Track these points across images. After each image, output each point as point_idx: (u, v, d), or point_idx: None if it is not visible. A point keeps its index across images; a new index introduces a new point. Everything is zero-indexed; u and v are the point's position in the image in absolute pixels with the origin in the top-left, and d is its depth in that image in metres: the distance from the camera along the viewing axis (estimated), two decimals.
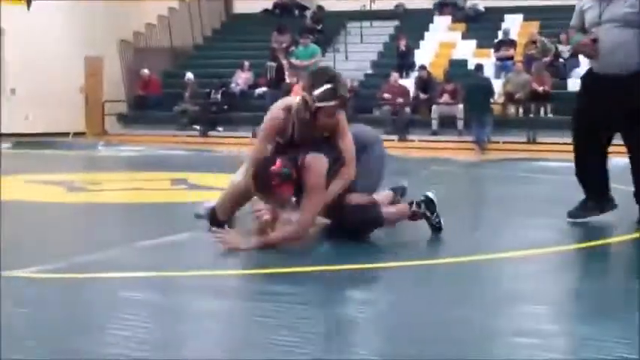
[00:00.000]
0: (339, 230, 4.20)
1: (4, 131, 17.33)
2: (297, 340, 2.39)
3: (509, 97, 16.94)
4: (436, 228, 4.30)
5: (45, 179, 7.98)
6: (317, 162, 3.94)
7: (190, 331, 2.53)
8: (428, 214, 4.29)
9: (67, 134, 18.85)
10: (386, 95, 16.84)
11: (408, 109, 17.23)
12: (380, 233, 4.26)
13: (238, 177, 4.44)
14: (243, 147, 15.71)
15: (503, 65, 17.93)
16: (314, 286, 3.14)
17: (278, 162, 3.87)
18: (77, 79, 21.11)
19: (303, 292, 3.05)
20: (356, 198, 4.18)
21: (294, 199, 4.03)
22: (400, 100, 16.95)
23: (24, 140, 15.94)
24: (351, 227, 4.12)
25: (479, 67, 16.68)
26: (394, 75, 17.20)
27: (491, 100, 16.23)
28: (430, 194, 4.36)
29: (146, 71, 20.00)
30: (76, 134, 19.36)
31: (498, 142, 16.09)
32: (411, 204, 4.31)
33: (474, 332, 2.54)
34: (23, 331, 2.44)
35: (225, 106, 18.68)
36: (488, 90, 16.02)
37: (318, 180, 3.92)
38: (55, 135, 18.22)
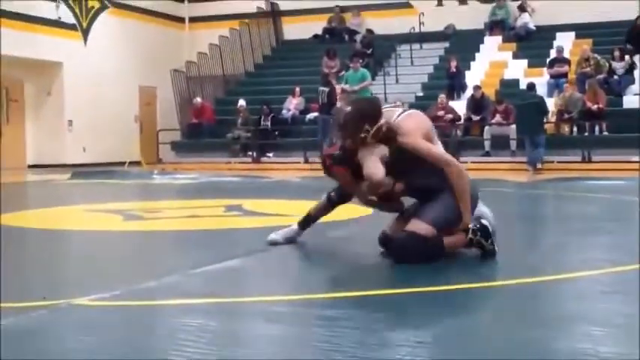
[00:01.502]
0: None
1: (63, 162, 17.72)
2: None
3: (562, 116, 16.74)
4: (490, 254, 4.26)
5: (102, 208, 8.11)
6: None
7: (248, 357, 2.55)
8: (483, 242, 4.26)
9: (122, 163, 19.17)
10: (439, 114, 16.69)
11: (458, 131, 17.15)
12: None
13: None
14: (295, 172, 15.82)
15: (557, 83, 17.75)
16: (371, 311, 3.13)
17: (334, 146, 4.28)
18: (132, 108, 21.51)
19: (359, 316, 3.04)
20: (418, 225, 4.16)
21: None
22: (449, 119, 16.86)
23: (82, 170, 16.24)
24: (409, 255, 4.10)
25: (531, 86, 16.50)
26: (441, 96, 17.14)
27: (545, 120, 16.05)
28: (484, 221, 4.32)
29: (199, 99, 20.27)
30: (132, 163, 19.68)
31: (553, 162, 15.90)
32: (466, 231, 4.26)
33: (536, 355, 2.51)
34: (80, 358, 2.48)
35: (276, 132, 18.81)
36: (542, 109, 15.81)
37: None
38: (111, 164, 18.55)
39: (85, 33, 20.08)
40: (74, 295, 3.35)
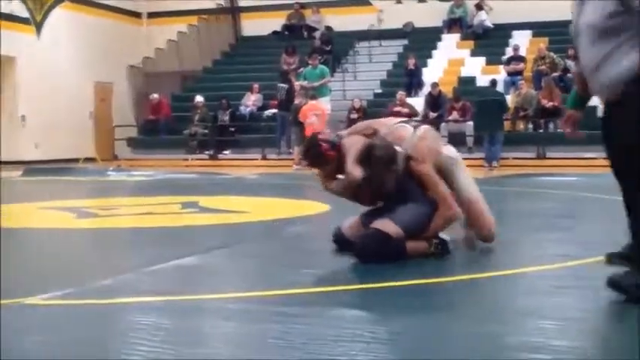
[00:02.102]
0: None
1: (15, 159, 17.44)
2: None
3: (518, 113, 16.93)
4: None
5: (56, 206, 8.00)
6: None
7: (203, 355, 2.52)
8: (443, 255, 4.27)
9: (77, 160, 18.94)
10: (397, 110, 16.75)
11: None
12: None
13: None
14: (252, 169, 15.78)
15: (513, 81, 17.94)
16: (325, 307, 3.13)
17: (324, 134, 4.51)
18: (87, 104, 21.25)
19: (314, 312, 3.04)
20: (387, 225, 4.17)
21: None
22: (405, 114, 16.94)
23: (35, 167, 16.01)
24: (371, 252, 4.09)
25: (494, 83, 16.65)
26: (400, 93, 17.21)
27: (504, 116, 16.22)
28: (445, 236, 4.34)
29: (155, 95, 20.10)
30: (87, 160, 19.45)
31: (508, 159, 16.06)
32: (428, 241, 4.27)
33: (489, 348, 2.52)
34: (36, 358, 2.44)
35: (233, 129, 18.74)
36: (502, 106, 15.98)
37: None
38: (65, 161, 18.31)
39: (39, 27, 19.77)
40: (26, 294, 3.30)
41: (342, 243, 4.37)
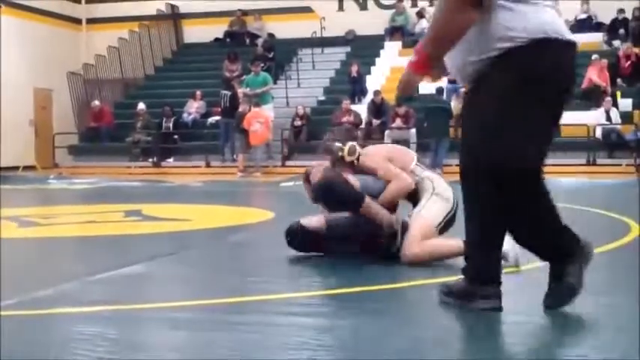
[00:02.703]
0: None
1: None
2: None
3: (459, 120, 17.14)
4: (392, 256, 4.32)
5: None
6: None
7: None
8: (393, 242, 4.33)
9: (17, 168, 18.58)
10: (344, 119, 16.82)
11: (359, 134, 17.33)
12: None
13: None
14: (196, 176, 15.68)
15: (455, 88, 18.15)
16: (273, 315, 3.12)
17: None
18: (26, 111, 20.87)
19: (260, 321, 3.03)
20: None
21: None
22: (351, 125, 17.04)
23: None
24: (330, 193, 4.27)
25: (440, 91, 16.86)
26: (346, 101, 17.30)
27: (450, 124, 16.44)
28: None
29: (97, 102, 19.86)
30: (26, 168, 19.09)
31: (451, 165, 16.25)
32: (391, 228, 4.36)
33: (451, 347, 2.55)
34: None
35: (176, 136, 18.61)
36: (448, 113, 16.21)
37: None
38: (4, 169, 17.95)
39: None
40: None
41: (299, 235, 4.41)
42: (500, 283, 3.07)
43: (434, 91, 16.80)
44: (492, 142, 2.96)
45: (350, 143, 4.62)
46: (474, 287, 3.06)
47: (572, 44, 3.03)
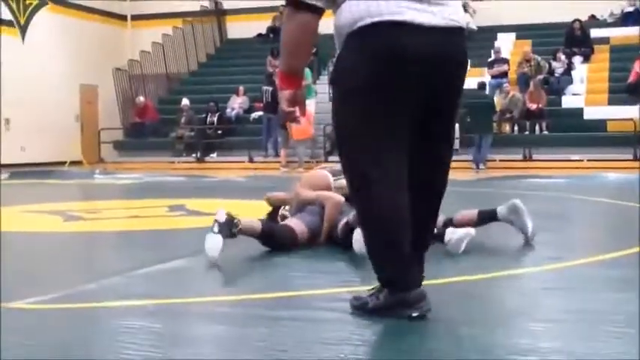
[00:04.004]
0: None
1: (0, 162, 17.34)
2: None
3: (503, 115, 17.01)
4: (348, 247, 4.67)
5: (42, 209, 7.96)
6: None
7: (191, 358, 2.52)
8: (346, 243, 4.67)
9: (63, 163, 18.85)
10: None
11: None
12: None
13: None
14: (239, 172, 15.76)
15: (497, 83, 18.00)
16: (314, 310, 3.12)
17: None
18: (72, 107, 21.16)
19: (302, 316, 3.03)
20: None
21: None
22: None
23: (20, 170, 15.92)
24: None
25: (482, 85, 16.70)
26: None
27: (494, 119, 16.29)
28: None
29: (141, 98, 20.05)
30: (73, 163, 19.37)
31: (495, 160, 16.12)
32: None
33: (477, 351, 2.53)
34: None
35: (220, 131, 18.71)
36: (491, 108, 16.05)
37: None
38: (51, 164, 18.22)
39: (23, 30, 19.67)
40: (11, 298, 3.28)
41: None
42: (419, 284, 2.97)
43: (475, 87, 16.66)
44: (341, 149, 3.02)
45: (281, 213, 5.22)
46: (395, 294, 2.94)
47: (406, 24, 2.80)
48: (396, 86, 2.84)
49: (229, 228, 4.30)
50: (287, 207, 5.23)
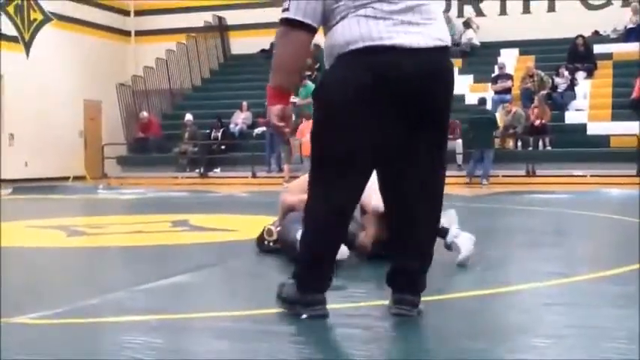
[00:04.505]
0: None
1: (4, 177, 17.38)
2: None
3: (507, 131, 17.04)
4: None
5: (45, 224, 7.97)
6: None
7: None
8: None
9: (67, 179, 18.88)
10: None
11: None
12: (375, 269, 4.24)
13: None
14: (242, 187, 15.77)
15: (501, 99, 18.03)
16: (315, 327, 3.12)
17: None
18: (76, 122, 21.22)
19: (306, 331, 3.03)
20: None
21: None
22: None
23: (24, 186, 15.95)
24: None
25: (482, 101, 16.76)
26: None
27: (495, 134, 16.33)
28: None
29: (145, 114, 20.10)
30: (76, 178, 19.39)
31: (498, 176, 16.12)
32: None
33: None
34: None
35: (223, 147, 18.74)
36: (493, 123, 16.10)
37: None
38: (54, 180, 18.25)
39: (28, 45, 19.73)
40: (14, 313, 3.27)
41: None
42: (323, 290, 3.17)
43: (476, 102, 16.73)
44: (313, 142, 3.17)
45: (267, 227, 5.13)
46: (299, 294, 3.16)
47: (400, 49, 2.93)
48: (382, 103, 2.94)
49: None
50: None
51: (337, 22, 3.02)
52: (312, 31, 3.04)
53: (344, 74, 2.99)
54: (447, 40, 3.06)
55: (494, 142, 16.23)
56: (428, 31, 2.99)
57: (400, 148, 3.05)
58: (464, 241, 4.57)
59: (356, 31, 2.96)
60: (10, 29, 19.25)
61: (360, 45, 2.94)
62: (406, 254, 3.20)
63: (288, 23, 3.03)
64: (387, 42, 2.93)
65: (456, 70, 20.15)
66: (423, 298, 3.28)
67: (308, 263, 3.18)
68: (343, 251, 4.16)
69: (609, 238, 6.77)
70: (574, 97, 18.04)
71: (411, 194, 3.12)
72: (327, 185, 3.07)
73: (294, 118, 16.65)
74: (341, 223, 3.16)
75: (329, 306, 3.25)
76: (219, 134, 18.78)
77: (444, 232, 4.55)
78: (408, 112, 2.97)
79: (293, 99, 17.40)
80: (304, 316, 3.13)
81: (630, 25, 19.78)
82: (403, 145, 3.04)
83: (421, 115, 3.00)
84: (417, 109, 2.98)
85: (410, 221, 3.16)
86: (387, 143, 3.03)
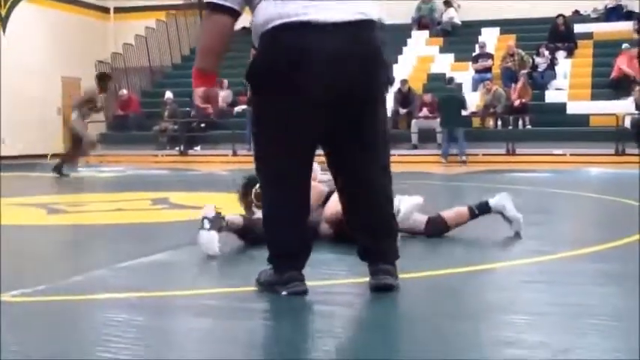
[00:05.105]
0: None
1: None
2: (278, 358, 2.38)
3: (487, 110, 17.09)
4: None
5: (25, 202, 7.92)
6: None
7: (174, 351, 2.51)
8: None
9: (45, 156, 18.74)
10: None
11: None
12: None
13: None
14: (223, 165, 15.73)
15: (481, 78, 18.06)
16: (294, 303, 3.13)
17: None
18: (54, 100, 21.02)
19: (283, 309, 3.04)
20: None
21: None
22: None
23: (2, 163, 15.82)
24: None
25: (450, 80, 16.87)
26: None
27: (463, 113, 16.42)
28: None
29: (125, 91, 19.95)
30: (54, 155, 19.23)
31: (478, 154, 16.18)
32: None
33: (457, 343, 2.54)
34: (4, 356, 2.41)
35: (203, 125, 18.66)
36: (460, 103, 16.20)
37: None
38: (33, 157, 18.11)
39: (4, 21, 19.52)
40: None
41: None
42: (300, 267, 3.20)
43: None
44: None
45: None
46: (277, 275, 3.19)
47: (315, 25, 3.00)
48: (302, 85, 3.00)
49: (219, 223, 4.31)
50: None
51: (259, 2, 3.12)
52: (234, 14, 3.13)
53: (264, 53, 3.10)
54: (370, 14, 3.12)
55: (462, 121, 16.31)
56: (348, 6, 3.06)
57: (328, 125, 3.11)
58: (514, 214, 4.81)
59: (273, 9, 3.05)
60: None
61: (278, 22, 3.02)
62: (364, 230, 3.28)
63: (211, 7, 3.13)
64: (303, 18, 2.99)
65: (437, 49, 20.20)
66: (401, 276, 3.30)
67: (277, 244, 3.21)
68: None
69: (589, 217, 6.82)
70: (554, 77, 18.09)
71: (350, 172, 3.23)
72: (269, 162, 3.20)
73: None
74: (292, 196, 3.19)
75: (312, 283, 3.26)
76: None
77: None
78: (326, 88, 3.01)
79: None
80: (284, 293, 3.15)
81: (611, 5, 19.85)
82: (331, 122, 3.10)
83: (340, 91, 3.03)
84: (334, 84, 3.01)
85: (355, 199, 3.26)
86: (312, 120, 3.08)
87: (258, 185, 4.57)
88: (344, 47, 3.01)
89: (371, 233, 3.24)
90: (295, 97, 3.02)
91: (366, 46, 3.08)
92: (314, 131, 3.13)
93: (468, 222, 4.87)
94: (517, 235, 4.79)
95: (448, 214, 4.86)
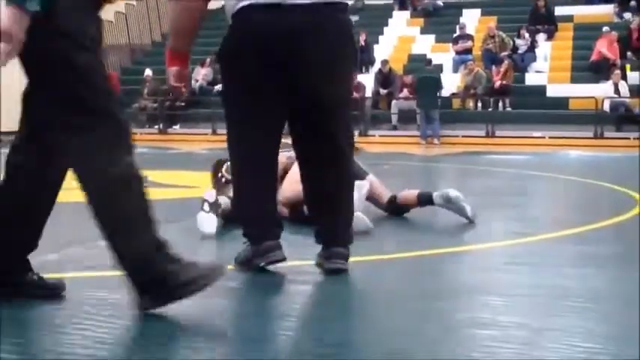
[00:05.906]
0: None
1: None
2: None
3: (467, 92, 17.11)
4: None
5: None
6: None
7: (151, 330, 2.50)
8: None
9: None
10: None
11: (368, 105, 17.28)
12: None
13: None
14: (203, 144, 15.66)
15: (462, 59, 18.07)
16: (275, 280, 3.12)
17: None
18: None
19: (262, 285, 3.03)
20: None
21: None
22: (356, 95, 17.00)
23: None
24: None
25: (428, 62, 16.90)
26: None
27: (439, 95, 16.46)
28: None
29: None
30: None
31: (457, 136, 16.21)
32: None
33: (433, 324, 2.54)
34: None
35: (183, 103, 18.56)
36: (436, 84, 16.24)
37: None
38: (6, 134, 17.93)
39: None
40: None
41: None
42: (276, 237, 3.21)
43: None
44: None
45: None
46: (253, 248, 3.22)
47: (283, 5, 3.02)
48: (270, 64, 3.03)
49: (217, 208, 4.41)
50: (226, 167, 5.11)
51: None
52: None
53: (233, 33, 3.13)
54: None
55: (437, 103, 16.34)
56: None
57: (294, 101, 3.12)
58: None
59: None
60: None
61: (246, 3, 3.05)
62: (321, 213, 3.31)
63: None
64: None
65: (418, 30, 20.18)
66: (378, 257, 3.30)
67: (247, 210, 3.26)
68: (367, 223, 4.21)
69: (568, 199, 6.85)
70: (534, 59, 18.14)
71: (308, 154, 3.26)
72: (238, 136, 3.25)
73: None
74: (258, 172, 3.21)
75: (290, 263, 3.25)
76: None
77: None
78: (294, 66, 3.04)
79: None
80: (262, 264, 3.16)
81: None
82: (298, 99, 3.11)
83: (308, 68, 3.06)
84: (302, 61, 3.04)
85: (313, 180, 3.29)
86: (280, 97, 3.10)
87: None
88: (313, 26, 3.03)
89: (328, 215, 3.27)
90: (262, 75, 3.05)
91: (328, 26, 3.11)
92: (282, 107, 3.14)
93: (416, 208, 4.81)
94: (470, 221, 4.64)
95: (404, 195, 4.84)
